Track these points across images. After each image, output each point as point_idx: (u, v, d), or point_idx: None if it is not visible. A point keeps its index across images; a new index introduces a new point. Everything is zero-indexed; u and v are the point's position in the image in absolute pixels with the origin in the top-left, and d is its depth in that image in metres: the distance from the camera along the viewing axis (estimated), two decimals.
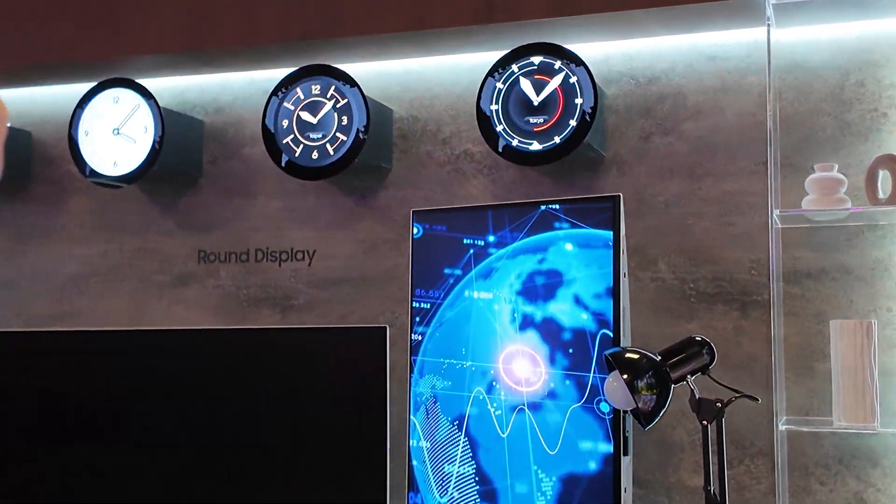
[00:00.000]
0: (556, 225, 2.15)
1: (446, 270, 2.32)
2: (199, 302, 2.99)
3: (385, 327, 2.34)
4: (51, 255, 3.13)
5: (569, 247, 2.12)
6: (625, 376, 1.79)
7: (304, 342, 2.45)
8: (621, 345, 2.02)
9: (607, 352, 1.86)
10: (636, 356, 1.82)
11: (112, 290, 3.08)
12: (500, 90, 2.55)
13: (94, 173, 2.88)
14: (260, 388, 2.46)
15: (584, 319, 2.07)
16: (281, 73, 2.84)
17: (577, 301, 2.09)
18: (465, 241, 2.28)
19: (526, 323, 2.16)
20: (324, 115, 2.71)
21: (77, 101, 2.92)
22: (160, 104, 2.84)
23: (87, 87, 2.95)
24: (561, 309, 2.10)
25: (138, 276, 3.06)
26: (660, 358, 1.85)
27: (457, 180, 2.77)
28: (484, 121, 2.56)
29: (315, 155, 2.71)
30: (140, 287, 3.05)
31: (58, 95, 3.14)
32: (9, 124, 3.11)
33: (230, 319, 2.94)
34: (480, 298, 2.24)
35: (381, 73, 2.85)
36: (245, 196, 2.97)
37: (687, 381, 1.84)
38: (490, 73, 2.57)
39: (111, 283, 3.09)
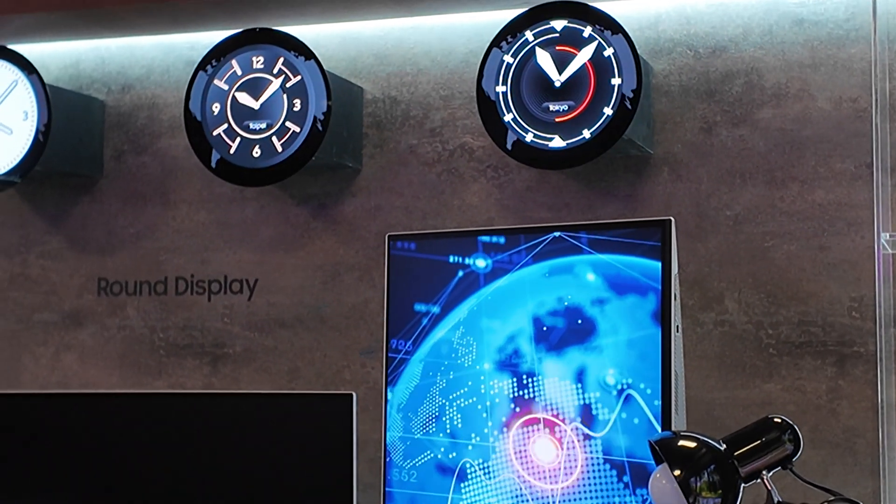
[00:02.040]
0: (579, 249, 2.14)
1: (417, 307, 2.31)
2: (99, 349, 2.97)
3: (351, 395, 2.33)
4: None
5: (591, 277, 2.10)
6: (677, 472, 1.78)
7: (242, 412, 2.43)
8: (673, 426, 2.00)
9: (653, 438, 1.85)
10: (693, 444, 1.81)
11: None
12: (509, 65, 2.54)
13: None
14: (184, 473, 2.44)
15: (615, 385, 2.05)
16: (210, 38, 2.83)
17: (607, 365, 2.07)
18: (450, 260, 2.27)
19: (533, 386, 2.14)
20: (269, 98, 2.70)
21: None
22: (46, 80, 2.82)
23: None
24: (581, 367, 2.09)
25: (14, 314, 3.04)
26: (725, 447, 1.84)
27: (451, 185, 2.76)
28: (487, 107, 2.55)
29: (257, 152, 2.70)
30: (17, 328, 3.04)
31: None
32: None
33: (141, 374, 2.92)
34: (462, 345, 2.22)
35: (346, 39, 2.84)
36: (161, 205, 2.96)
37: (762, 479, 1.83)
38: (496, 43, 2.56)
39: None
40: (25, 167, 2.81)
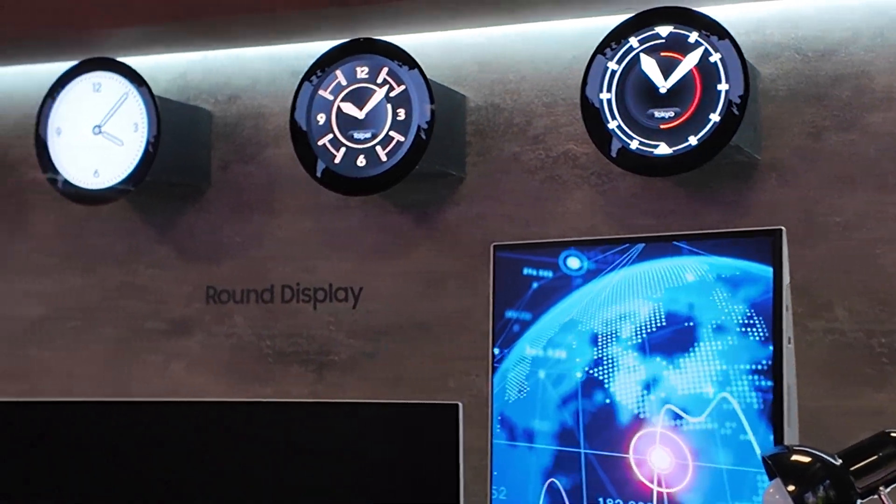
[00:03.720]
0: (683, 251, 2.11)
1: (508, 314, 2.30)
2: (206, 357, 3.00)
3: (457, 405, 2.32)
4: (6, 293, 3.18)
5: (690, 277, 2.07)
6: (791, 488, 1.74)
7: (348, 421, 2.44)
8: (786, 440, 1.96)
9: (765, 453, 1.81)
10: (807, 459, 1.77)
11: (88, 341, 3.11)
12: (613, 72, 2.52)
13: (67, 184, 2.92)
14: (289, 481, 2.46)
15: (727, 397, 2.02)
16: (315, 48, 2.84)
17: (713, 375, 2.04)
18: (524, 271, 2.26)
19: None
20: (373, 108, 2.71)
21: (47, 90, 2.96)
22: (154, 92, 2.86)
23: (59, 69, 2.99)
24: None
25: (124, 322, 3.09)
26: (840, 462, 1.79)
27: (553, 192, 2.75)
28: (591, 114, 2.53)
29: (362, 161, 2.71)
30: (126, 336, 3.08)
31: (22, 80, 3.19)
32: None
33: (248, 381, 2.95)
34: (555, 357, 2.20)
35: (449, 47, 2.83)
36: (267, 214, 2.98)
37: (879, 495, 1.78)
38: (600, 50, 2.53)
39: (87, 332, 3.12)
40: (136, 178, 2.85)
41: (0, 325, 3.14)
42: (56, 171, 2.92)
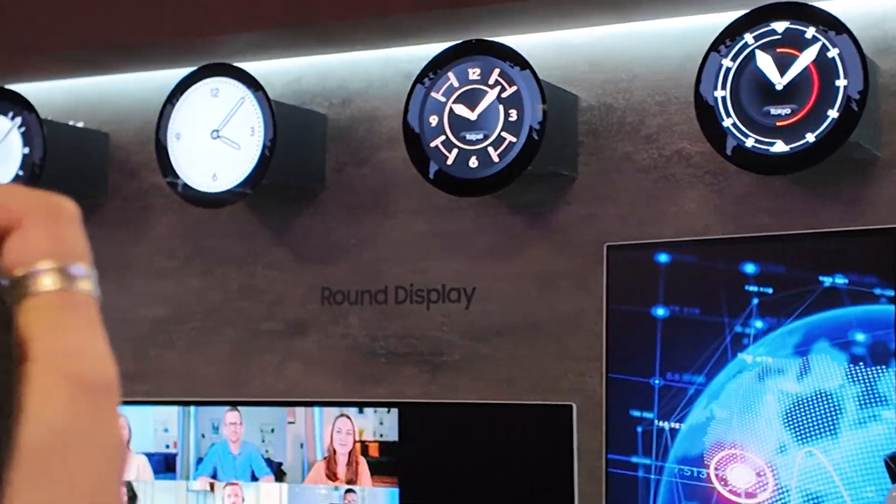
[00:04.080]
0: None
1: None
2: (322, 357, 3.03)
3: (571, 406, 2.31)
4: (129, 294, 3.25)
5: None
6: None
7: (462, 421, 2.44)
8: None
9: (888, 454, 1.76)
10: None
11: (209, 341, 3.16)
12: (728, 70, 2.48)
13: (187, 188, 2.96)
14: (403, 481, 2.46)
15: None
16: (427, 51, 2.85)
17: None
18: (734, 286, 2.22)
19: None
20: (485, 109, 2.70)
21: (167, 95, 3.01)
22: (270, 96, 2.90)
23: (178, 75, 3.04)
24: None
25: (242, 323, 3.13)
26: None
27: (667, 191, 2.71)
28: (706, 112, 2.49)
29: (474, 162, 2.71)
30: (245, 337, 3.12)
31: (142, 87, 3.26)
32: (80, 124, 3.26)
33: (362, 381, 2.97)
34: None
35: (560, 47, 2.82)
36: (381, 215, 3.00)
37: None
38: (714, 47, 2.50)
39: (208, 332, 3.17)
40: (253, 181, 2.89)
41: (123, 326, 3.21)
42: (176, 175, 2.98)
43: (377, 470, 2.56)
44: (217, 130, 2.94)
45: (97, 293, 0.42)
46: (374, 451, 2.57)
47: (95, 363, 0.40)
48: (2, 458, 0.37)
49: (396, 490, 2.53)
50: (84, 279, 0.42)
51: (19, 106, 3.14)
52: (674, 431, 2.30)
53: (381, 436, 2.56)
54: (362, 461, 2.57)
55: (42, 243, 0.41)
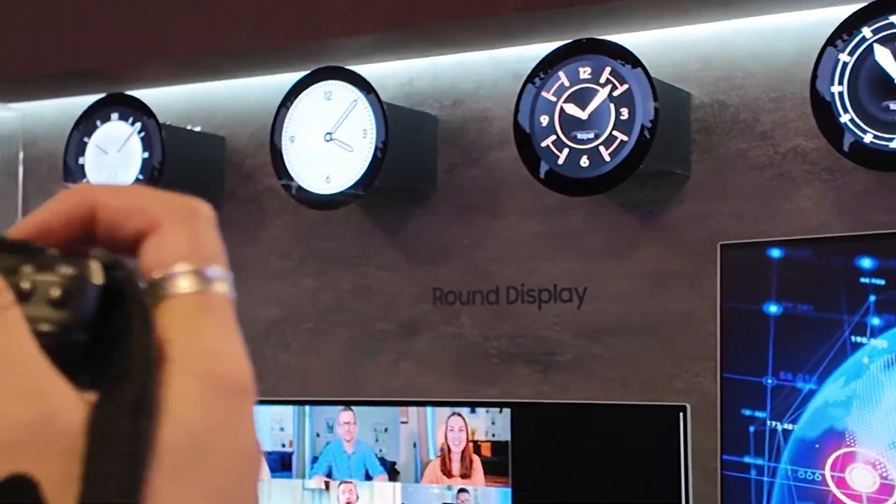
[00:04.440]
0: None
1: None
2: (434, 358, 3.04)
3: (684, 406, 2.28)
4: (245, 296, 3.30)
5: None
6: None
7: (574, 421, 2.43)
8: None
9: None
10: None
11: (324, 341, 3.20)
12: (845, 64, 2.43)
13: (301, 190, 3.00)
14: (514, 480, 2.46)
15: None
16: (537, 51, 2.84)
17: None
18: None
19: None
20: (597, 108, 2.68)
21: (281, 99, 3.05)
22: (382, 98, 2.92)
23: (292, 79, 3.08)
24: None
25: (356, 324, 3.16)
26: None
27: (782, 189, 2.67)
28: (822, 108, 2.45)
29: (585, 161, 2.69)
30: (359, 337, 3.15)
31: (257, 91, 3.31)
32: (198, 128, 3.32)
33: (475, 381, 2.97)
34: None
35: (673, 45, 2.79)
36: (492, 215, 3.00)
37: None
38: (831, 41, 2.44)
39: (322, 333, 3.20)
40: (365, 182, 2.91)
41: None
42: (290, 178, 3.01)
43: (490, 470, 2.56)
44: (330, 133, 2.97)
45: (232, 295, 0.43)
46: (486, 451, 2.57)
47: (232, 364, 0.41)
48: (143, 459, 0.37)
49: (509, 490, 2.52)
50: (220, 281, 0.42)
51: (139, 111, 3.21)
52: (786, 432, 2.25)
53: (494, 436, 2.56)
54: (476, 459, 2.57)
55: (179, 246, 0.42)
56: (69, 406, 0.38)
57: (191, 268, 0.41)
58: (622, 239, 2.84)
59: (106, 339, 0.40)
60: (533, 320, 2.93)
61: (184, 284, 0.41)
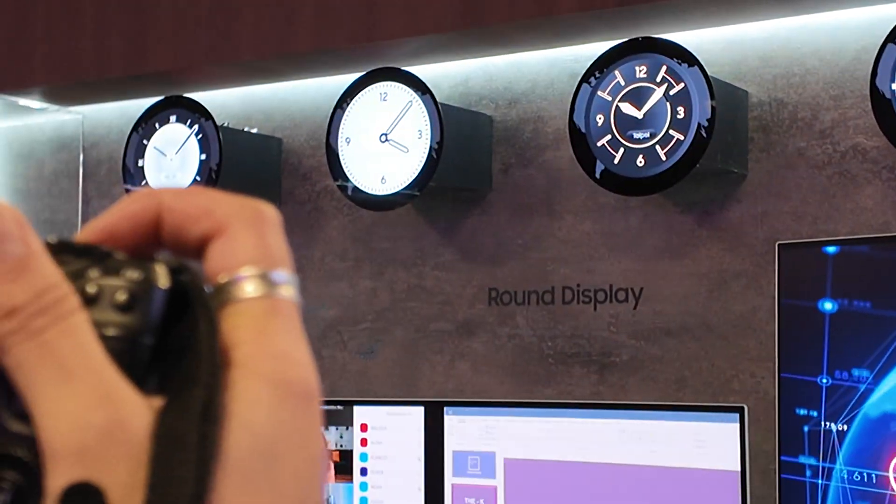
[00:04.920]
0: None
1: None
2: (490, 358, 3.03)
3: (742, 408, 2.25)
4: (303, 296, 3.30)
5: None
6: None
7: (630, 423, 2.41)
8: None
9: None
10: None
11: (380, 341, 3.20)
12: None
13: (357, 191, 3.00)
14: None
15: None
16: (593, 50, 2.83)
17: None
18: None
19: None
20: (653, 107, 2.66)
21: (336, 100, 3.06)
22: (438, 99, 2.91)
23: (348, 80, 3.08)
24: None
25: (412, 324, 3.16)
26: None
27: (842, 188, 2.63)
28: (882, 105, 2.41)
29: (641, 161, 2.67)
30: (415, 337, 3.15)
31: (314, 93, 3.32)
32: (255, 130, 3.34)
33: (530, 382, 2.96)
34: None
35: (730, 42, 2.76)
36: (547, 216, 2.99)
37: None
38: (891, 38, 2.41)
39: (377, 333, 3.21)
40: (421, 183, 2.91)
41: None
42: (346, 179, 3.02)
43: None
44: (386, 134, 2.97)
45: (299, 299, 0.42)
46: None
47: (299, 369, 0.40)
48: (210, 464, 0.37)
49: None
50: (286, 285, 0.42)
51: (197, 114, 3.23)
52: (841, 433, 2.22)
53: None
54: None
55: (245, 250, 0.41)
56: (136, 411, 0.37)
57: (257, 271, 0.41)
58: (679, 239, 2.82)
59: (172, 344, 0.40)
60: (589, 321, 2.91)
61: (250, 288, 0.41)
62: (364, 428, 2.74)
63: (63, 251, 0.40)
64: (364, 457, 2.74)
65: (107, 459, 0.36)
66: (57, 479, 0.36)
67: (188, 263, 0.41)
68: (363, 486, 2.75)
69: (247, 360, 0.39)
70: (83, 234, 0.42)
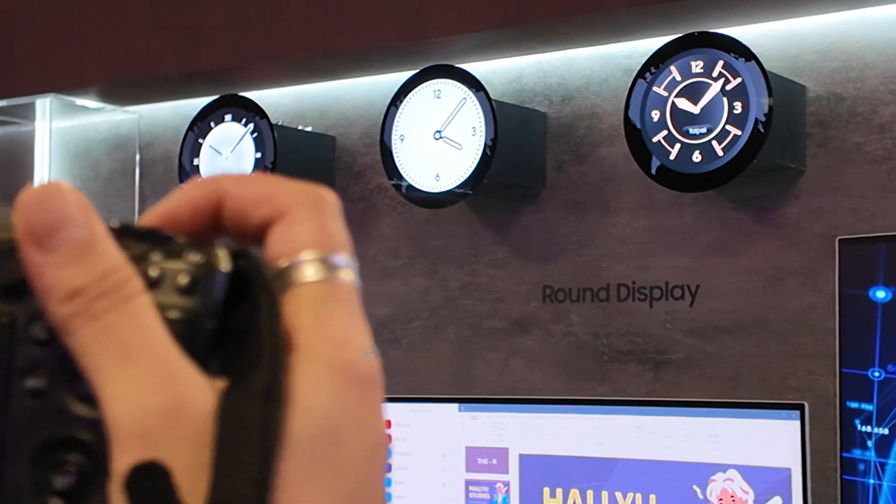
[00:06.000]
0: None
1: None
2: (544, 355, 3.03)
3: (802, 405, 2.23)
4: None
5: None
6: None
7: (686, 420, 2.40)
8: None
9: None
10: None
11: (434, 339, 3.20)
12: None
13: (411, 189, 3.00)
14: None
15: None
16: (648, 45, 2.81)
17: None
18: None
19: None
20: (709, 102, 2.64)
21: (390, 98, 3.06)
22: (491, 96, 2.91)
23: (401, 78, 3.09)
24: None
25: (466, 321, 3.16)
26: None
27: None
28: None
29: (697, 157, 2.65)
30: (469, 335, 3.15)
31: (367, 91, 3.33)
32: (309, 128, 3.35)
33: (584, 379, 2.95)
34: None
35: (787, 37, 2.73)
36: (601, 212, 2.98)
37: None
38: None
39: (433, 330, 3.21)
40: (475, 180, 2.90)
41: None
42: (400, 177, 3.02)
43: None
44: (439, 131, 2.97)
45: (358, 283, 0.42)
46: None
47: (360, 353, 0.40)
48: (274, 447, 0.37)
49: None
50: (346, 269, 0.42)
51: (252, 112, 3.25)
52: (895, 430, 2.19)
53: None
54: None
55: (306, 234, 0.41)
56: (200, 393, 0.37)
57: (317, 256, 0.41)
58: (735, 235, 2.79)
59: (233, 328, 0.40)
60: (644, 318, 2.90)
61: (310, 273, 0.41)
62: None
63: (125, 235, 0.41)
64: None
65: (171, 441, 0.36)
66: (121, 461, 0.36)
67: (248, 248, 0.41)
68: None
69: (307, 345, 0.39)
70: (145, 219, 0.43)
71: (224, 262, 0.40)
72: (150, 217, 0.43)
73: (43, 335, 0.39)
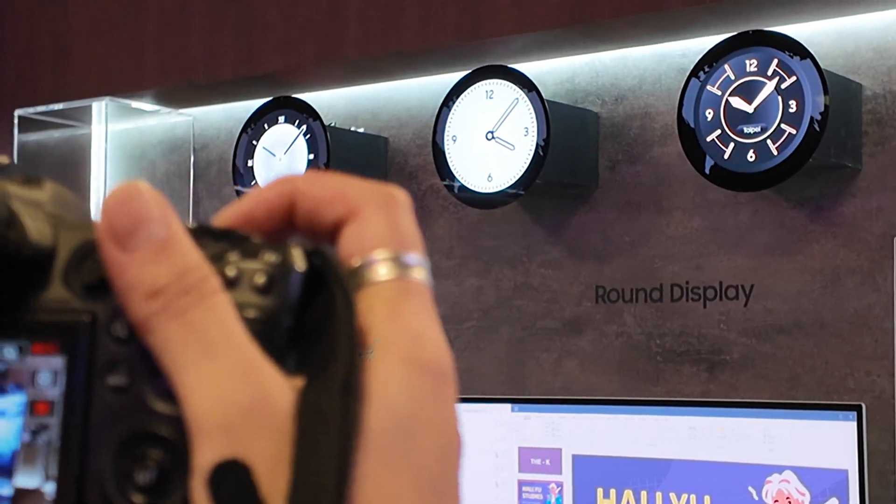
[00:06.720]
0: None
1: None
2: (598, 355, 3.02)
3: (860, 406, 2.21)
4: None
5: None
6: None
7: (743, 421, 2.38)
8: None
9: None
10: None
11: (487, 339, 3.21)
12: None
13: (463, 189, 3.01)
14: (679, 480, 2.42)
15: None
16: (702, 44, 2.80)
17: None
18: None
19: None
20: (763, 101, 2.62)
21: (442, 99, 3.06)
22: (544, 96, 2.90)
23: (453, 79, 3.09)
24: None
25: (520, 321, 3.15)
26: None
27: None
28: None
29: (752, 156, 2.63)
30: (522, 335, 3.15)
31: (419, 92, 3.34)
32: (361, 130, 3.37)
33: (638, 380, 2.94)
34: None
35: (843, 34, 2.71)
36: (655, 212, 2.96)
37: None
38: None
39: (484, 331, 3.21)
40: (527, 180, 2.90)
41: None
42: (453, 178, 3.02)
43: None
44: (492, 132, 2.97)
45: (430, 281, 0.43)
46: None
47: (434, 349, 0.41)
48: (352, 440, 0.37)
49: None
50: (418, 267, 0.42)
51: (305, 114, 3.27)
52: None
53: None
54: None
55: (378, 233, 0.42)
56: (279, 388, 0.38)
57: (390, 254, 0.41)
58: (791, 235, 2.77)
59: (309, 326, 0.40)
60: (698, 318, 2.88)
61: (383, 271, 0.41)
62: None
63: (202, 235, 0.41)
64: None
65: (252, 436, 0.37)
66: (203, 457, 0.37)
67: (322, 247, 0.42)
68: None
69: (382, 342, 0.40)
70: (220, 219, 0.43)
71: (299, 262, 0.41)
72: (225, 217, 0.43)
73: (123, 333, 0.39)
